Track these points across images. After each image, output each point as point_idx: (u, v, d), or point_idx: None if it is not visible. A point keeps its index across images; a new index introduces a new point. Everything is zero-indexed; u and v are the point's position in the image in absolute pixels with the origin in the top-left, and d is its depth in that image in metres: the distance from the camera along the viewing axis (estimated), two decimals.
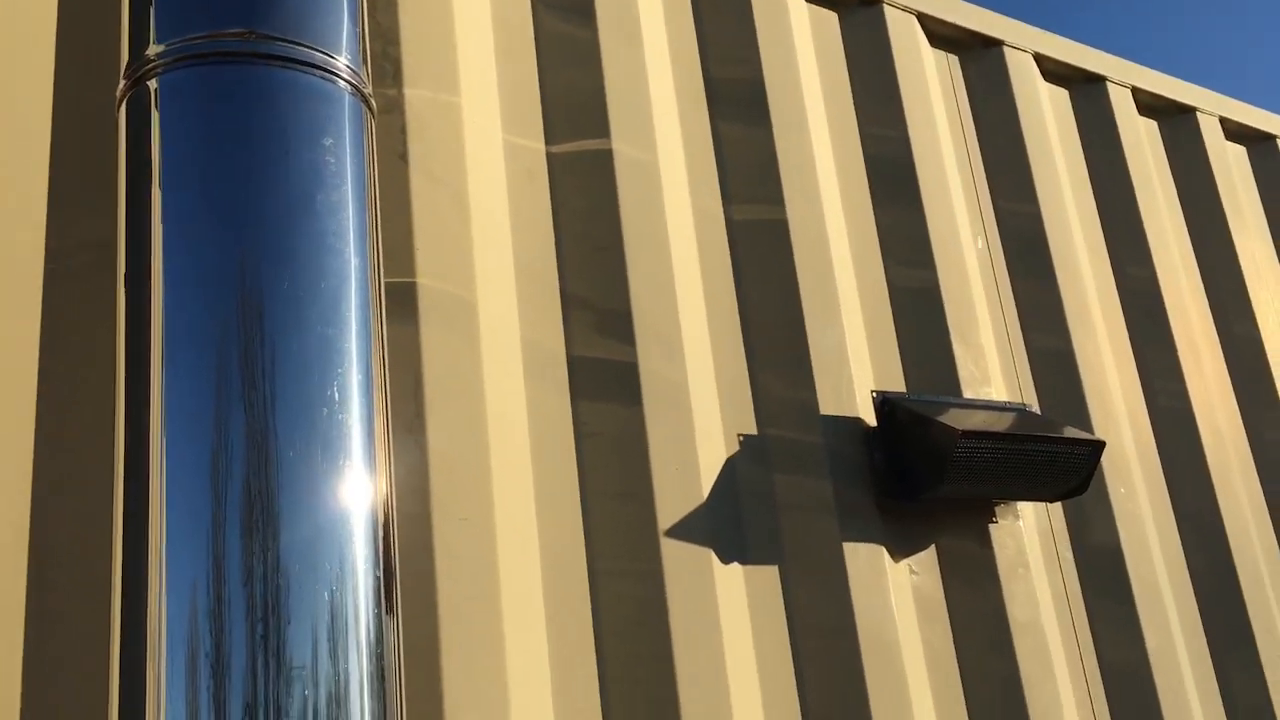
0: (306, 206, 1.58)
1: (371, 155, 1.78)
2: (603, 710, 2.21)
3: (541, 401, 2.36)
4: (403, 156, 2.29)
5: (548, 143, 2.59)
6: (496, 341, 2.31)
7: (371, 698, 1.48)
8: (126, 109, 1.68)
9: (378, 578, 1.54)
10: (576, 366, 2.44)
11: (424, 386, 2.16)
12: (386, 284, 2.19)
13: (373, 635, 1.50)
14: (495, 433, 2.22)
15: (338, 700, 1.45)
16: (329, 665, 1.45)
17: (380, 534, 1.56)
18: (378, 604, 1.52)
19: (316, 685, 1.44)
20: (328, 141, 1.63)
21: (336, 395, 1.52)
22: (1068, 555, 3.08)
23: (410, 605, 2.01)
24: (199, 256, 1.54)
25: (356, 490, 1.54)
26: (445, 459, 2.13)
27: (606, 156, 2.61)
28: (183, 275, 1.54)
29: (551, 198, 2.55)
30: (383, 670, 1.50)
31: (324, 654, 1.45)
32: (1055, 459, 2.69)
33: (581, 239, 2.53)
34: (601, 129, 2.62)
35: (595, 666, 2.24)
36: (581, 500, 2.35)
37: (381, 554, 1.55)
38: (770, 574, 2.53)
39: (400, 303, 2.20)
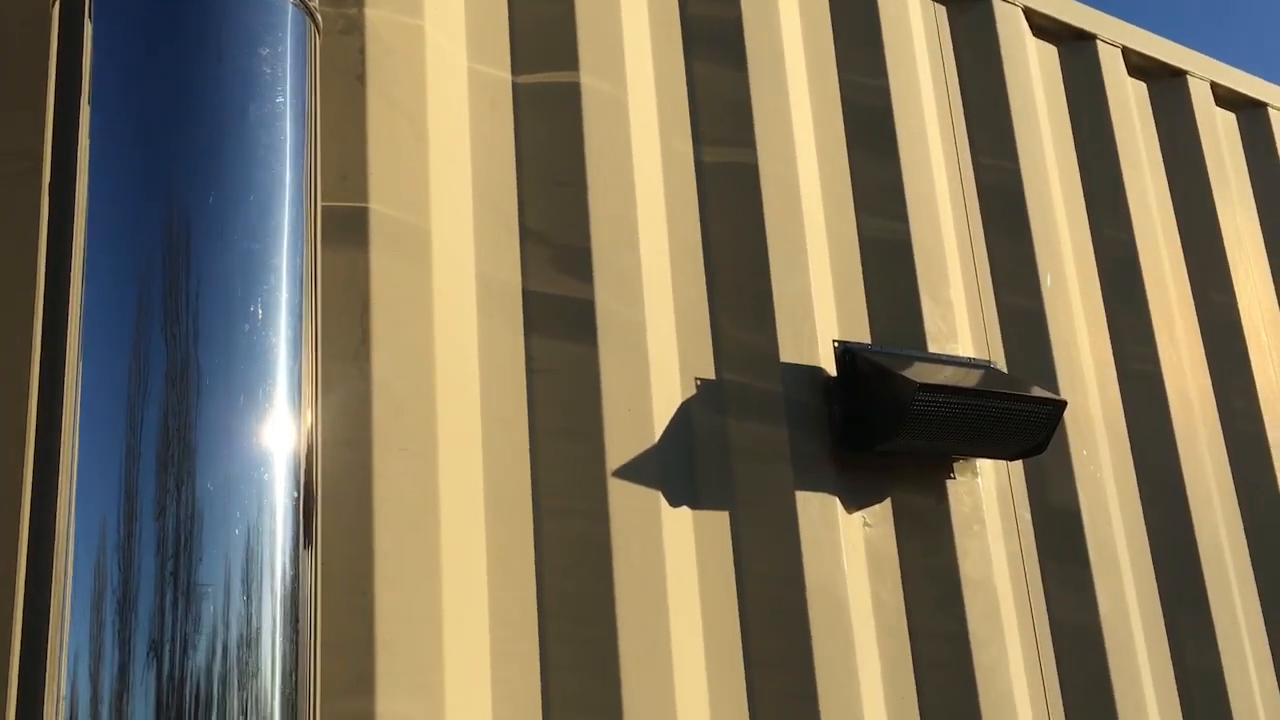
0: (238, 117, 1.53)
1: (313, 70, 1.72)
2: (540, 648, 2.20)
3: (493, 335, 2.33)
4: (360, 79, 2.23)
5: (514, 72, 2.53)
6: (450, 272, 2.27)
7: (284, 639, 1.45)
8: (60, 8, 1.62)
9: (297, 511, 1.50)
10: (531, 302, 2.40)
11: (371, 314, 2.12)
12: (338, 208, 2.15)
13: (289, 574, 1.47)
14: (443, 364, 2.19)
15: (248, 641, 1.42)
16: (241, 605, 1.42)
17: (303, 464, 1.53)
18: (295, 540, 1.49)
19: (227, 625, 1.41)
20: (265, 51, 1.58)
21: (260, 312, 1.48)
22: (1025, 515, 3.07)
23: (344, 535, 1.98)
24: (123, 166, 1.49)
25: (279, 419, 1.50)
26: (389, 388, 2.10)
27: (574, 90, 2.55)
28: (106, 186, 1.49)
29: (515, 129, 2.50)
30: (297, 612, 1.47)
31: (236, 593, 1.42)
32: (1015, 417, 2.67)
33: (543, 172, 2.48)
34: (570, 61, 2.57)
35: (535, 605, 2.22)
36: (530, 437, 2.32)
37: (303, 486, 1.52)
38: (720, 520, 2.51)
39: (351, 228, 2.15)
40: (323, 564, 1.95)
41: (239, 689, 1.40)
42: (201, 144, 1.50)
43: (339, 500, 2.00)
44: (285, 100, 1.60)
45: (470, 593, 2.13)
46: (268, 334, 1.49)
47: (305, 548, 1.51)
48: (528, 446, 2.31)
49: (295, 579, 1.48)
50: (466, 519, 2.16)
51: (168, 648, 1.37)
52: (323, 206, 2.14)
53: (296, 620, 1.47)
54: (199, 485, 1.42)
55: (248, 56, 1.56)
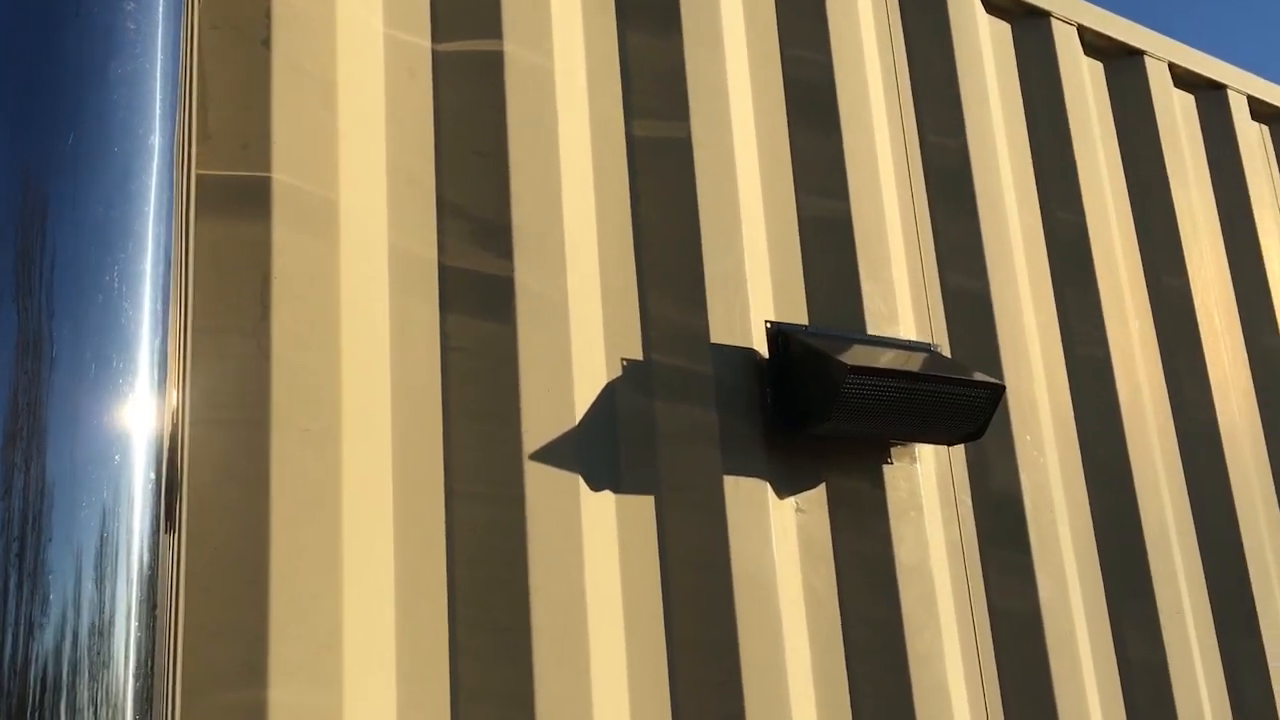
0: (97, 75, 1.44)
1: (188, 28, 1.63)
2: (450, 639, 2.12)
3: (406, 311, 2.25)
4: (265, 43, 2.14)
5: (434, 40, 2.44)
6: (360, 245, 2.18)
7: (139, 626, 1.37)
8: None
9: (158, 495, 1.42)
10: (448, 277, 2.31)
11: (271, 288, 2.03)
12: (238, 178, 2.06)
13: (146, 558, 1.39)
14: (350, 341, 2.11)
15: (100, 630, 1.34)
16: (93, 589, 1.34)
17: (165, 445, 1.44)
18: (155, 523, 1.41)
19: (78, 611, 1.33)
20: (129, 6, 1.49)
21: (116, 282, 1.40)
22: (965, 500, 3.01)
23: (237, 518, 1.90)
24: None
25: (139, 396, 1.42)
26: (289, 366, 2.01)
27: (497, 58, 2.46)
28: None
29: (434, 99, 2.41)
30: (154, 596, 1.39)
31: (88, 577, 1.34)
32: (951, 401, 2.60)
33: (463, 143, 2.40)
34: (493, 29, 2.48)
35: (444, 591, 2.15)
36: (443, 418, 2.24)
37: (165, 467, 1.44)
38: (644, 504, 2.43)
39: (253, 199, 2.06)
40: (214, 548, 1.89)
41: (89, 677, 1.33)
42: (57, 103, 1.41)
43: (233, 481, 1.93)
44: (153, 59, 1.50)
45: (374, 578, 2.05)
46: (124, 305, 1.40)
47: (167, 532, 1.43)
48: (440, 427, 2.23)
49: (154, 565, 1.39)
50: (372, 502, 2.08)
51: (11, 632, 1.29)
52: (222, 176, 2.06)
53: (155, 607, 1.39)
54: (49, 464, 1.34)
55: (110, 11, 1.47)
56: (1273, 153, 4.45)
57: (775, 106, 2.98)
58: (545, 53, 2.52)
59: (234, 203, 2.04)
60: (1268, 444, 3.94)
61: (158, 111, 1.51)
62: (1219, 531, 3.61)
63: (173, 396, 1.47)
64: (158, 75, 1.52)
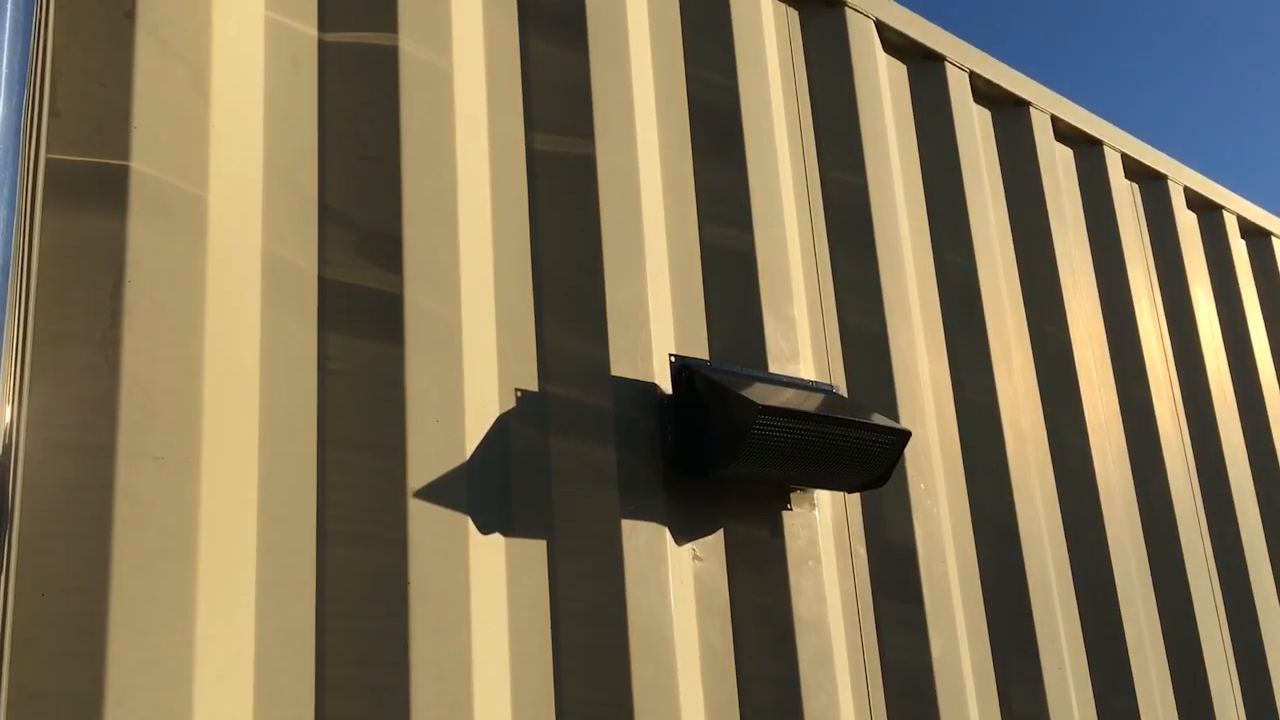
0: None
1: None
2: (316, 700, 1.87)
3: (280, 327, 1.99)
4: (129, 15, 1.88)
5: (321, 28, 2.21)
6: (229, 250, 1.92)
7: None
8: None
9: None
10: (328, 291, 2.07)
11: (125, 294, 1.76)
12: (90, 164, 1.79)
13: None
14: (214, 358, 1.84)
15: None
16: None
17: None
18: None
19: None
20: None
21: None
22: (860, 550, 2.88)
23: (71, 562, 1.62)
24: None
25: None
26: (143, 384, 1.74)
27: (391, 54, 2.24)
28: None
29: (319, 93, 2.17)
30: None
31: None
32: (857, 446, 2.48)
33: (350, 144, 2.16)
34: (388, 21, 2.26)
35: (313, 647, 1.89)
36: (318, 447, 1.99)
37: None
38: (536, 549, 2.22)
39: (106, 189, 1.79)
40: (42, 596, 1.60)
41: None
42: None
43: (72, 514, 1.65)
44: (0, 15, 1.24)
45: (232, 633, 1.78)
46: None
47: None
48: (314, 459, 1.98)
49: None
50: (233, 543, 1.82)
51: None
52: (73, 161, 1.79)
53: None
54: None
55: None
56: (1143, 210, 4.54)
57: (680, 129, 2.83)
58: (443, 52, 2.31)
59: (85, 193, 1.77)
60: (1138, 496, 3.97)
61: (3, 76, 1.25)
62: (1095, 586, 3.59)
63: (5, 413, 1.21)
64: (5, 34, 1.26)
